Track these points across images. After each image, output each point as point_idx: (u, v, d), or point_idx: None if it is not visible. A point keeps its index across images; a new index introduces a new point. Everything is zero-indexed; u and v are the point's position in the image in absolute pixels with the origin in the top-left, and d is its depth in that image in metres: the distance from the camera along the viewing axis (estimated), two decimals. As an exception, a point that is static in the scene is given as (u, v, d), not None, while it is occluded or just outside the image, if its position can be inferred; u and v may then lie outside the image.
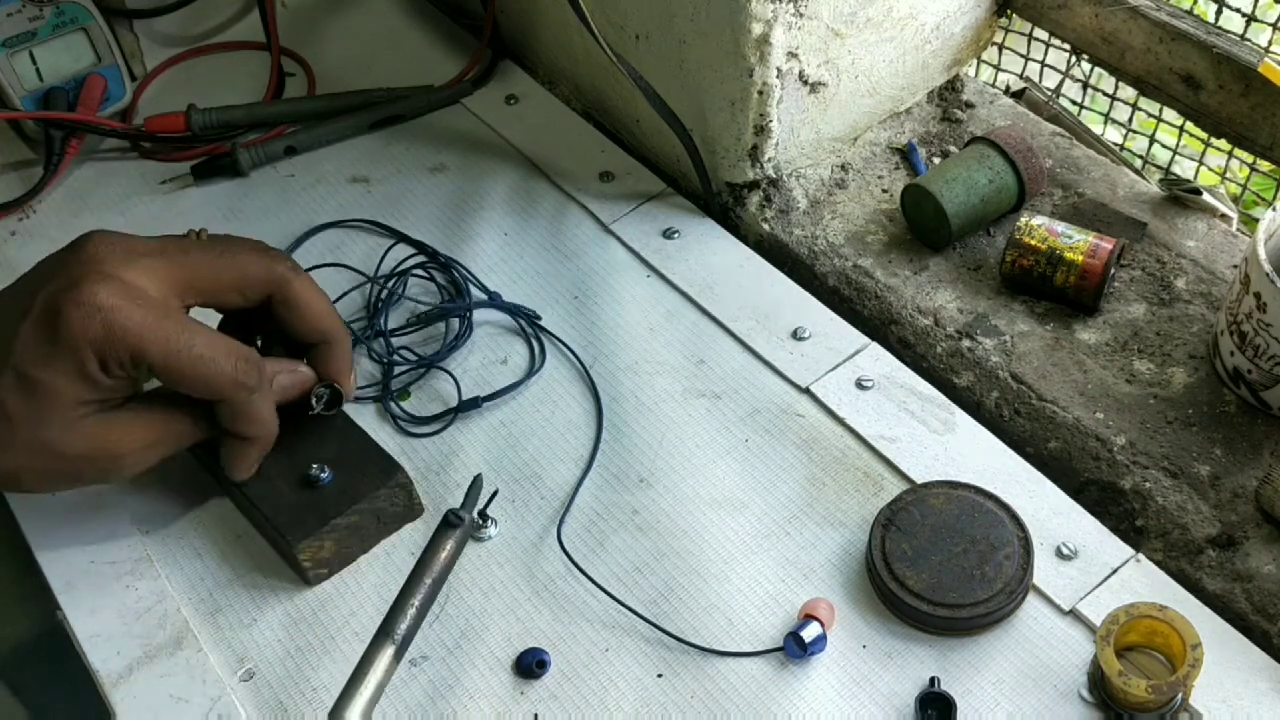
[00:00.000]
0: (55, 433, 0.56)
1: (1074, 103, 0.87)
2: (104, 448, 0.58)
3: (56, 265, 0.57)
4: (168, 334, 0.56)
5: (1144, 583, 0.60)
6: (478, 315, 0.75)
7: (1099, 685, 0.56)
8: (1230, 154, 0.77)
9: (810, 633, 0.58)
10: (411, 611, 0.57)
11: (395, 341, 0.74)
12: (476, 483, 0.63)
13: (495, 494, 0.65)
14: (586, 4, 0.73)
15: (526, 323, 0.74)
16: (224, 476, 0.65)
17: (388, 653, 0.56)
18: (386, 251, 0.78)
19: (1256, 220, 0.67)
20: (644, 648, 0.59)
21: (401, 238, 0.80)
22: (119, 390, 0.58)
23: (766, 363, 0.71)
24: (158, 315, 0.56)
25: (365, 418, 0.70)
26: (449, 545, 0.60)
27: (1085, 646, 0.58)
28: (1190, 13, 0.75)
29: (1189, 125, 0.77)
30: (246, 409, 0.59)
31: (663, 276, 0.76)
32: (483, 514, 0.64)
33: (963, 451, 0.66)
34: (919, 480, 0.64)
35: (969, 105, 0.86)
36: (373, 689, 0.55)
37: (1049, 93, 0.87)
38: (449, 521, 0.61)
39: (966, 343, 0.71)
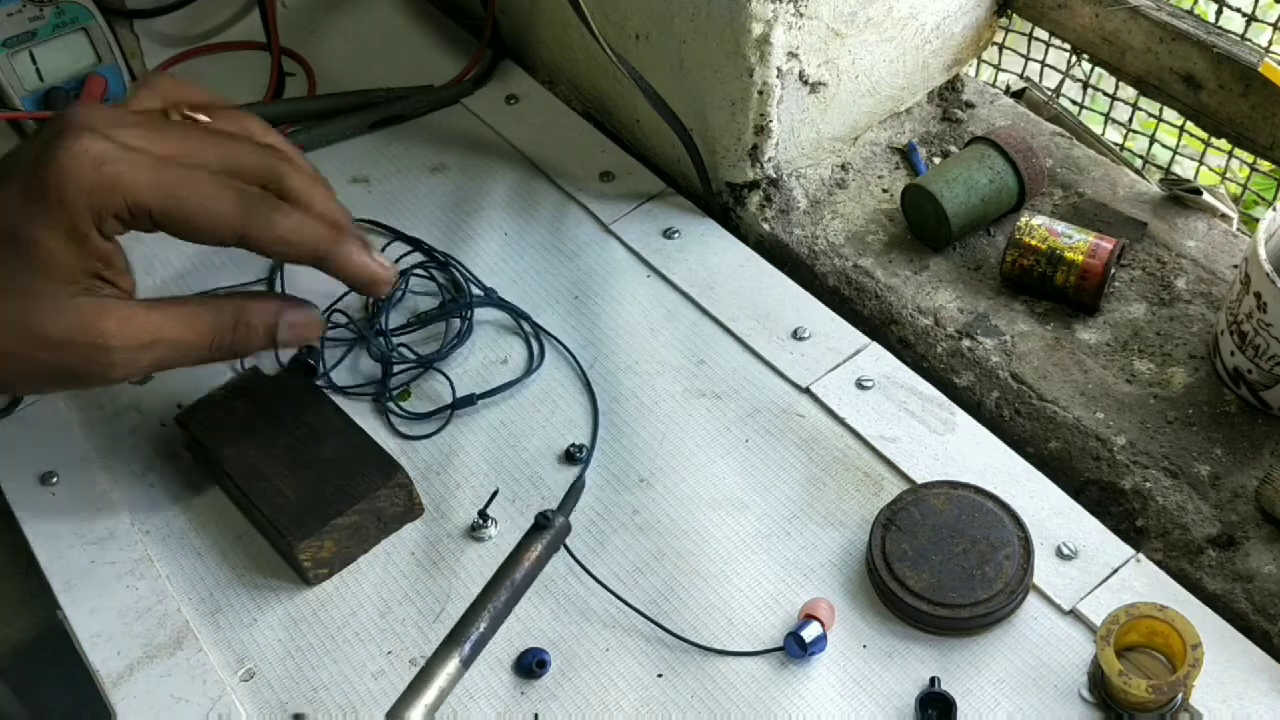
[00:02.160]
0: (41, 306, 0.51)
1: (1074, 103, 0.87)
2: (94, 334, 0.52)
3: (39, 133, 0.53)
4: (166, 177, 0.52)
5: (1144, 583, 0.60)
6: (478, 315, 0.75)
7: (1099, 685, 0.56)
8: (1230, 154, 0.77)
9: (810, 633, 0.58)
10: (486, 618, 0.55)
11: (395, 341, 0.74)
12: (578, 484, 0.62)
13: (495, 494, 0.64)
14: (586, 4, 0.73)
15: (526, 322, 0.74)
16: (224, 476, 0.65)
17: (453, 662, 0.53)
18: (384, 250, 0.78)
19: (1257, 220, 0.67)
20: (644, 647, 0.59)
21: (401, 237, 0.80)
22: (115, 261, 0.54)
23: (767, 363, 0.71)
24: (153, 161, 0.52)
25: (365, 417, 0.70)
26: (537, 549, 0.57)
27: (1085, 646, 0.58)
28: (1190, 13, 0.75)
29: (1189, 125, 0.77)
30: (279, 228, 0.55)
31: (663, 276, 0.76)
32: (483, 514, 0.64)
33: (963, 451, 0.66)
34: (919, 480, 0.64)
35: (969, 105, 0.86)
36: (432, 699, 0.52)
37: (1049, 93, 0.87)
38: (539, 524, 0.58)
39: (967, 343, 0.71)
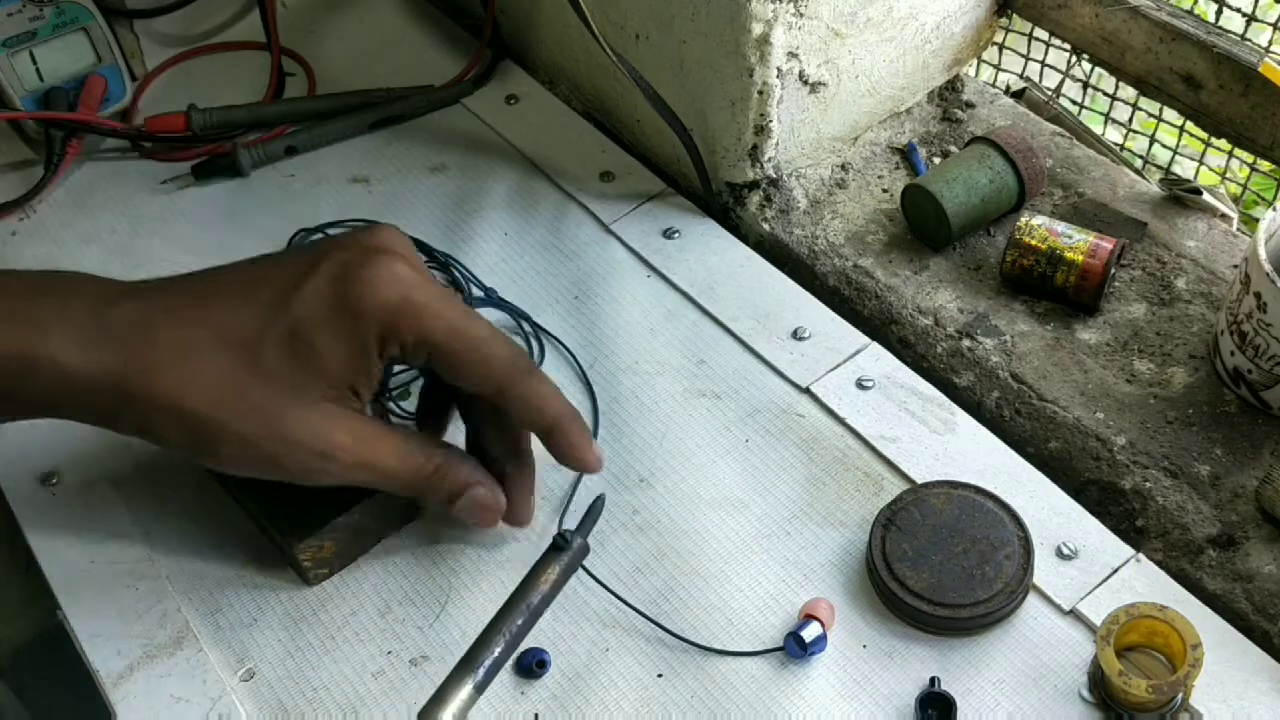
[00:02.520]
0: (293, 404, 0.53)
1: (1074, 103, 0.87)
2: (326, 443, 0.54)
3: (347, 237, 0.55)
4: (456, 314, 0.54)
5: (1144, 583, 0.60)
6: (478, 315, 0.75)
7: (1099, 685, 0.56)
8: (1230, 154, 0.77)
9: (810, 633, 0.58)
10: (501, 642, 0.55)
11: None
12: (597, 504, 0.62)
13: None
14: (586, 4, 0.73)
15: (526, 322, 0.74)
16: (225, 477, 0.65)
17: (467, 687, 0.53)
18: (387, 251, 0.79)
19: (1257, 220, 0.67)
20: (644, 647, 0.59)
21: (402, 238, 0.80)
22: (374, 382, 0.55)
23: (767, 363, 0.71)
24: (447, 295, 0.55)
25: (365, 418, 0.70)
26: (554, 571, 0.58)
27: (1085, 646, 0.58)
28: (1190, 13, 0.75)
29: (1189, 125, 0.77)
30: (533, 390, 0.57)
31: (663, 276, 0.76)
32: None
33: (963, 451, 0.66)
34: (919, 480, 0.64)
35: (969, 105, 0.86)
36: None
37: (1049, 93, 0.87)
38: (556, 545, 0.59)
39: (967, 343, 0.71)
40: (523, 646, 0.59)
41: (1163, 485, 0.64)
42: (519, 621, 0.56)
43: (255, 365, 0.52)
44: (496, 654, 0.55)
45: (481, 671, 0.54)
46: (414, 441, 0.58)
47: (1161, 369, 0.69)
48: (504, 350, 0.56)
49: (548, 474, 0.67)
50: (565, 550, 0.59)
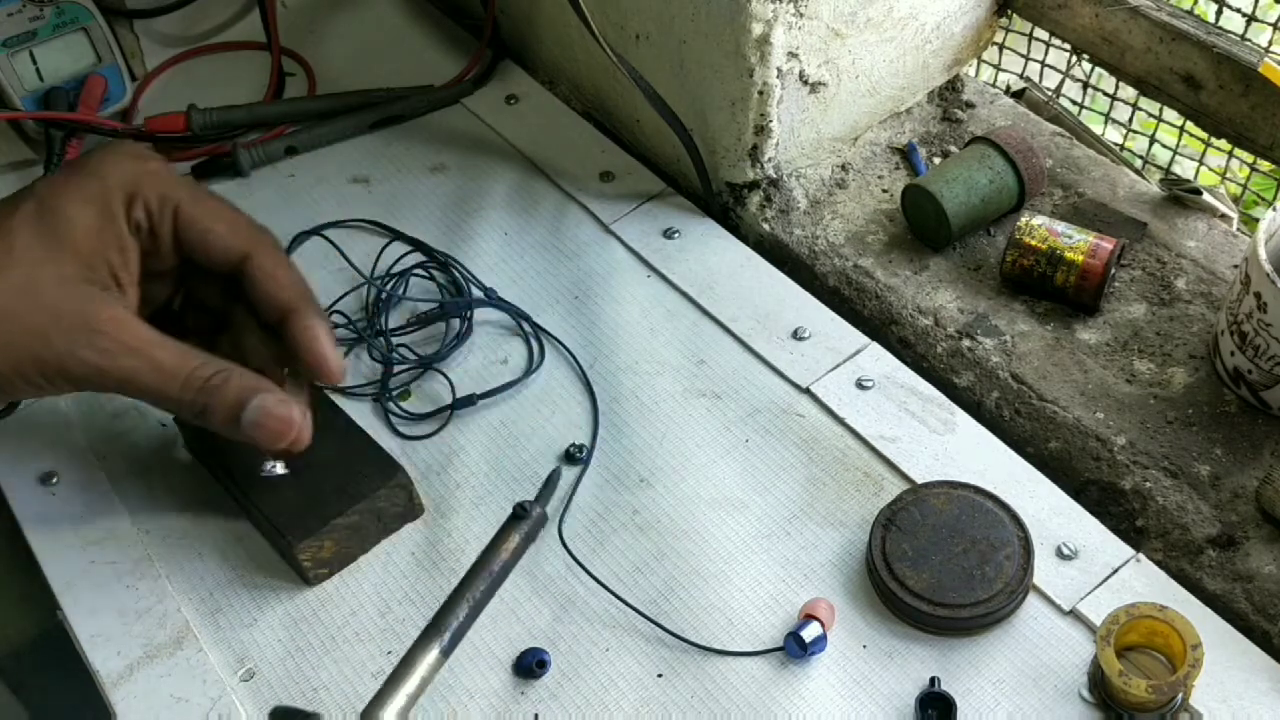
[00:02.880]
0: (50, 274, 0.52)
1: (1074, 103, 0.87)
2: (88, 317, 0.52)
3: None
4: (195, 186, 0.56)
5: (1144, 583, 0.60)
6: (478, 315, 0.75)
7: (1099, 685, 0.56)
8: (1230, 154, 0.77)
9: (810, 633, 0.58)
10: (465, 608, 0.56)
11: (395, 341, 0.74)
12: (554, 476, 0.63)
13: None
14: (587, 4, 0.73)
15: (526, 322, 0.74)
16: (224, 476, 0.65)
17: (433, 652, 0.54)
18: (383, 249, 0.78)
19: (1257, 220, 0.67)
20: (644, 647, 0.59)
21: (401, 237, 0.80)
22: (131, 265, 0.55)
23: (767, 363, 0.71)
24: (189, 181, 0.57)
25: (365, 418, 0.70)
26: (515, 539, 0.59)
27: (1085, 646, 0.58)
28: (1190, 13, 0.75)
29: (1189, 125, 0.77)
30: (279, 262, 0.57)
31: (663, 276, 0.76)
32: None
33: (963, 451, 0.66)
34: (919, 480, 0.64)
35: (969, 105, 0.86)
36: (414, 688, 0.53)
37: (1049, 93, 0.87)
38: (516, 514, 0.60)
39: (967, 343, 0.71)
40: (522, 646, 0.59)
41: (1163, 485, 0.64)
42: (482, 588, 0.57)
43: (11, 250, 0.52)
44: (461, 619, 0.56)
45: (448, 636, 0.55)
46: (191, 346, 0.56)
47: (1161, 369, 0.69)
48: (248, 219, 0.57)
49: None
50: (525, 519, 0.59)
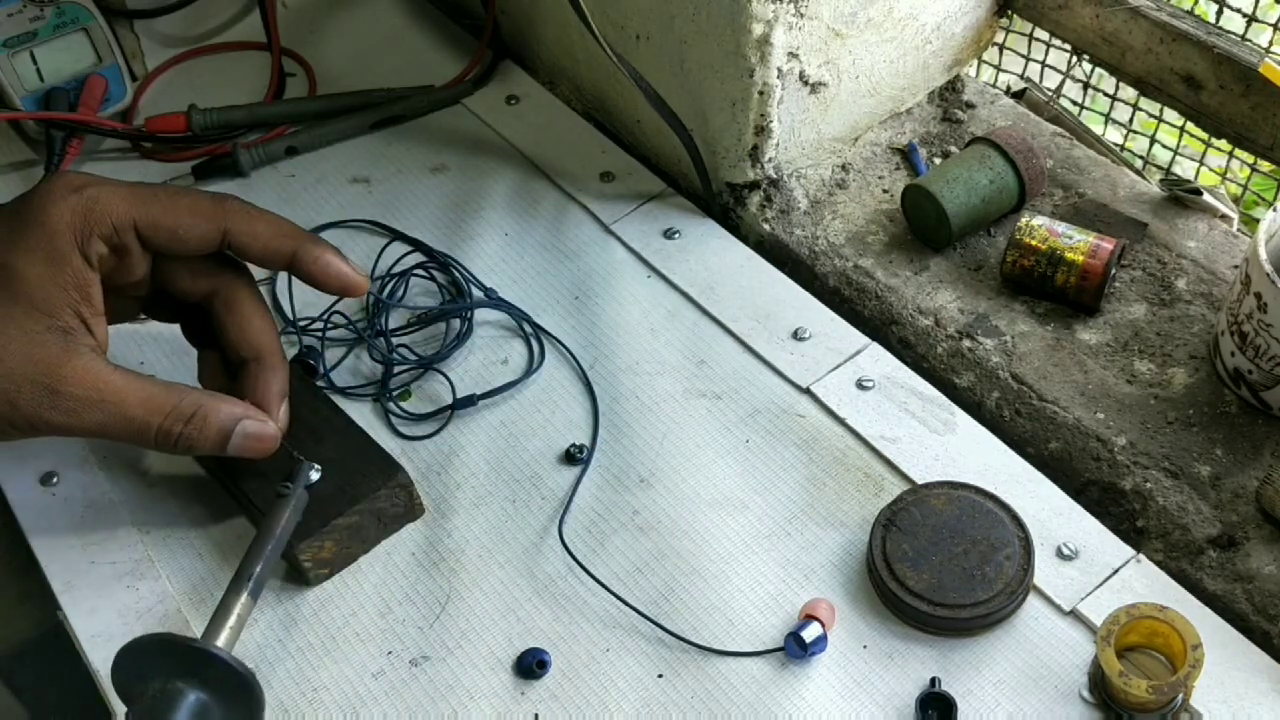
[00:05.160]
0: (10, 335, 0.51)
1: (1074, 103, 0.87)
2: (48, 373, 0.51)
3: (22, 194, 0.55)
4: (143, 192, 0.55)
5: (1144, 583, 0.60)
6: (478, 316, 0.75)
7: (1099, 685, 0.56)
8: (1231, 154, 0.77)
9: (811, 633, 0.58)
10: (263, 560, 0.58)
11: (395, 341, 0.74)
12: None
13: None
14: (587, 4, 0.73)
15: (526, 322, 0.74)
16: (224, 477, 0.65)
17: (242, 597, 0.56)
18: (383, 250, 0.78)
19: (1257, 220, 0.67)
20: (644, 648, 0.59)
21: (401, 238, 0.80)
22: (95, 303, 0.54)
23: (767, 363, 0.71)
24: (129, 185, 0.55)
25: (365, 418, 0.70)
26: (286, 512, 0.60)
27: (1086, 647, 0.58)
28: (1191, 13, 0.75)
29: (1189, 126, 0.77)
30: (258, 216, 0.56)
31: (663, 277, 0.76)
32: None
33: (963, 452, 0.66)
34: (919, 480, 0.64)
35: (969, 105, 0.86)
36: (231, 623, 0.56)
37: (1050, 93, 0.87)
38: (279, 494, 0.60)
39: (967, 343, 0.71)
40: (522, 646, 0.59)
41: (1163, 486, 0.64)
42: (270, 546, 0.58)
43: None
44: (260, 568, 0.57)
45: (252, 582, 0.57)
46: (160, 384, 0.56)
47: (1162, 369, 0.69)
48: (208, 196, 0.56)
49: (548, 474, 0.67)
50: (288, 497, 0.60)
